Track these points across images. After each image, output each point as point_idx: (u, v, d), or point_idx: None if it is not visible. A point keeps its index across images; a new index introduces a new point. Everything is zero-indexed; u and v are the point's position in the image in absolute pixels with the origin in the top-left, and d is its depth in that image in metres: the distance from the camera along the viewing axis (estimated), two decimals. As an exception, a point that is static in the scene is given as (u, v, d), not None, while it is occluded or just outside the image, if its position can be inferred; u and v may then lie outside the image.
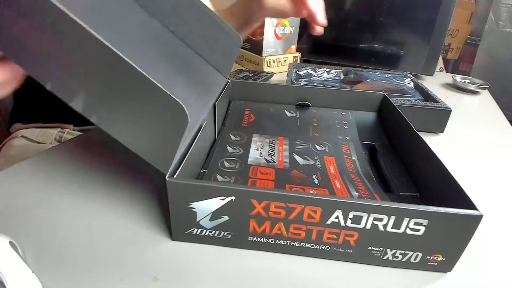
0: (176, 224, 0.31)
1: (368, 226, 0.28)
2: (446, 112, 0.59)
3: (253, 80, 0.79)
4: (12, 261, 0.26)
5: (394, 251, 0.30)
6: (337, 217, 0.28)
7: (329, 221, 0.29)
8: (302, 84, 0.72)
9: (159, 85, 0.25)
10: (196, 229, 0.31)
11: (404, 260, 0.30)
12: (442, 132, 0.61)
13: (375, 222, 0.28)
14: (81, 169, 0.42)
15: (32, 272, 0.26)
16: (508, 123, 0.71)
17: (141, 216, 0.35)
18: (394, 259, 0.30)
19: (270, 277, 0.29)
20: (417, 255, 0.30)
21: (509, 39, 2.30)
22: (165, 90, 0.25)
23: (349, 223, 0.29)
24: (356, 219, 0.28)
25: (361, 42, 0.98)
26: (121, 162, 0.44)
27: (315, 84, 0.72)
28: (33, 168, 0.42)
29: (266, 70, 0.90)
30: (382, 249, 0.30)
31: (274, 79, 0.88)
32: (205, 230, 0.31)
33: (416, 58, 0.95)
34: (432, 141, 0.58)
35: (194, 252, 0.31)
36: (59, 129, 0.64)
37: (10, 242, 0.28)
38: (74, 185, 0.39)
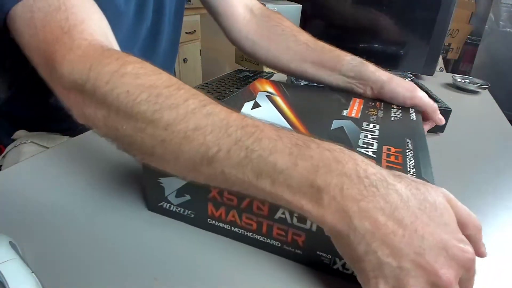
0: (149, 196, 0.35)
1: (314, 228, 0.28)
2: (446, 112, 0.59)
3: (253, 80, 0.79)
4: (12, 261, 0.26)
5: (343, 261, 0.28)
6: (283, 213, 0.29)
7: (276, 216, 0.29)
8: (302, 84, 0.71)
9: None
10: (165, 204, 0.34)
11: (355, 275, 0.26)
12: (442, 132, 0.61)
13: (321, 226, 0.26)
14: (81, 169, 0.42)
15: (32, 272, 0.26)
16: (508, 123, 0.71)
17: (140, 208, 0.35)
18: (345, 271, 0.29)
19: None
20: None
21: (509, 39, 2.30)
22: None
23: (295, 221, 0.29)
24: (302, 218, 0.28)
25: (361, 42, 0.98)
26: (121, 163, 0.44)
27: (315, 84, 0.72)
28: (33, 168, 0.42)
29: (266, 70, 0.89)
30: (330, 256, 0.29)
31: (274, 79, 0.88)
32: (172, 206, 0.34)
33: (416, 58, 0.95)
34: (432, 141, 0.58)
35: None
36: (68, 137, 0.60)
37: (10, 242, 0.28)
38: (74, 185, 0.39)
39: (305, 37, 0.59)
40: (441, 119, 0.52)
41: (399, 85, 0.51)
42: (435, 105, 0.51)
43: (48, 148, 0.58)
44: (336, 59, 0.55)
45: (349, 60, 0.54)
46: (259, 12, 0.63)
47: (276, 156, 0.25)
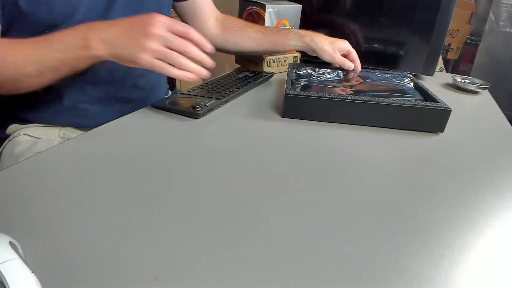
0: None
1: None
2: (446, 112, 0.59)
3: (253, 80, 0.79)
4: (12, 261, 0.26)
5: None
6: None
7: None
8: (302, 84, 0.72)
9: None
10: None
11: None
12: (442, 132, 0.61)
13: None
14: (81, 168, 0.42)
15: (32, 272, 0.26)
16: (508, 123, 0.71)
17: (140, 208, 0.35)
18: None
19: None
20: None
21: (509, 39, 2.30)
22: None
23: None
24: None
25: (361, 42, 0.98)
26: (120, 162, 0.44)
27: (315, 84, 0.72)
28: (33, 168, 0.42)
29: (266, 70, 0.89)
30: None
31: (274, 79, 0.88)
32: None
33: (416, 58, 0.95)
34: (432, 141, 0.58)
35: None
36: (60, 127, 0.64)
37: (10, 242, 0.28)
38: (74, 185, 0.39)
39: (257, 27, 0.83)
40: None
41: (323, 50, 0.78)
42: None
43: (40, 139, 0.62)
44: (284, 36, 0.80)
45: (292, 35, 0.80)
46: (220, 17, 0.84)
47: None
